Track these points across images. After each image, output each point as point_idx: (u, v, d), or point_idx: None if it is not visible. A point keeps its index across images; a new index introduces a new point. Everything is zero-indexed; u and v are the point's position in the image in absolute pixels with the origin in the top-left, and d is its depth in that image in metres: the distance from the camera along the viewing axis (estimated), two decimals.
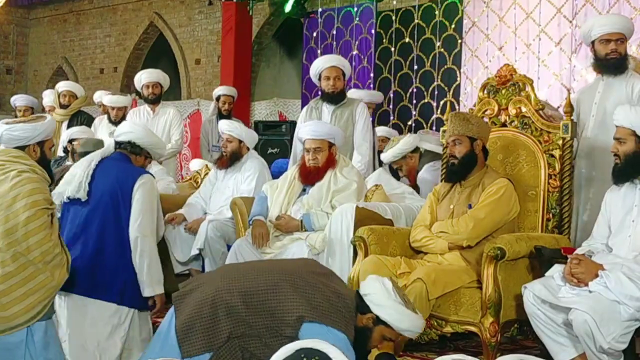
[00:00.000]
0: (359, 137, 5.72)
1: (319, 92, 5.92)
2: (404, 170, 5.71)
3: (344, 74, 5.80)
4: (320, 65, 5.77)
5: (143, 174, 4.21)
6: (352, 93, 6.95)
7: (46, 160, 3.85)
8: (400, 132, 8.47)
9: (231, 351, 3.14)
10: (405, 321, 3.29)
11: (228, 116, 7.58)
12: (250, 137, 5.79)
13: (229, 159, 5.66)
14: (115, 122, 6.94)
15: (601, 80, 4.74)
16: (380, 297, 3.28)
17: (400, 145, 5.63)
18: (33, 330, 3.57)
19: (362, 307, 3.28)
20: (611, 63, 4.62)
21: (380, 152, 6.15)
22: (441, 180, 4.68)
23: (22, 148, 3.77)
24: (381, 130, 7.33)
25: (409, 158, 5.66)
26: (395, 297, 3.30)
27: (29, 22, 14.99)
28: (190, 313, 3.18)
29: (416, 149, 5.72)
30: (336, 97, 5.75)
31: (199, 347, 3.13)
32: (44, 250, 3.55)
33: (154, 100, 7.15)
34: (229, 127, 5.71)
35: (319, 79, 5.80)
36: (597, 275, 3.46)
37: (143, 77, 7.19)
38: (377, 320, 3.26)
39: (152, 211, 4.17)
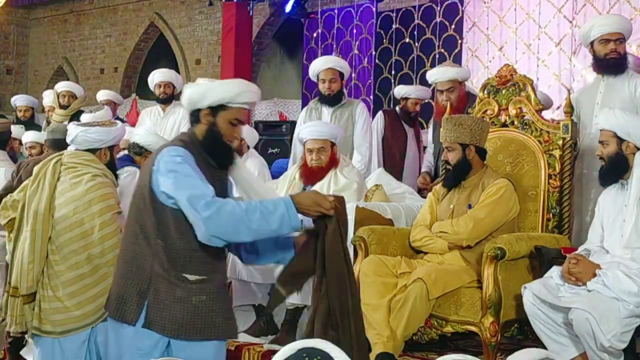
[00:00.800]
0: (358, 137, 5.73)
1: (319, 93, 5.93)
2: (454, 96, 5.30)
3: (341, 75, 5.79)
4: (317, 66, 5.78)
5: (127, 167, 4.22)
6: (400, 89, 6.77)
7: (114, 165, 3.97)
8: None
9: (159, 279, 2.98)
10: (231, 87, 3.11)
11: None
12: (251, 135, 5.80)
13: None
14: None
15: (602, 81, 4.75)
16: (200, 88, 3.10)
17: (468, 69, 5.47)
18: (97, 330, 3.65)
19: (193, 117, 3.11)
20: (611, 63, 4.63)
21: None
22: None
23: (92, 151, 3.88)
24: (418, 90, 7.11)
25: (463, 85, 5.47)
26: (211, 80, 3.18)
27: (29, 22, 14.99)
28: (109, 301, 3.08)
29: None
30: (332, 99, 5.75)
31: (136, 305, 2.96)
32: (117, 254, 3.66)
33: (165, 100, 7.13)
34: None
35: (317, 80, 5.81)
36: (595, 275, 3.49)
37: (155, 77, 7.16)
38: (213, 110, 3.07)
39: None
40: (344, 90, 5.99)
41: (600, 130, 3.86)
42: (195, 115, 3.09)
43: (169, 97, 7.14)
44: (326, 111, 5.78)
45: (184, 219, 2.90)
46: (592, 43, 4.68)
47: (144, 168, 3.10)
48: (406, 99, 6.84)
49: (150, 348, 2.95)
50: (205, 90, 3.05)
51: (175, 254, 2.96)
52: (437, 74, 5.52)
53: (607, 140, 3.79)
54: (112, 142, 3.93)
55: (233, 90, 3.06)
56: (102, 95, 8.48)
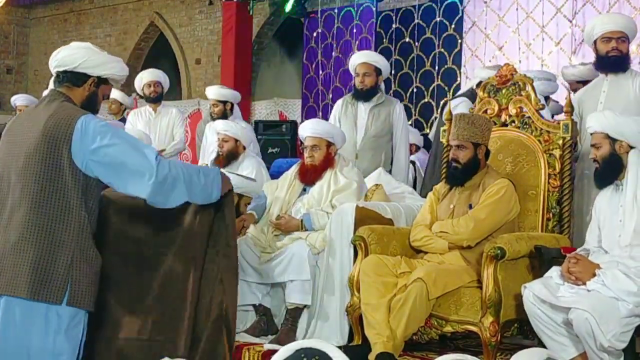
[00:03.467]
0: (401, 142, 5.75)
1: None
2: None
3: (377, 70, 5.72)
4: (353, 62, 5.79)
5: None
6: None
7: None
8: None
9: (81, 253, 2.99)
10: (122, 67, 3.22)
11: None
12: (246, 136, 5.79)
13: (226, 159, 5.66)
14: None
15: (605, 80, 4.75)
16: (100, 57, 3.15)
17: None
18: None
19: (74, 78, 3.13)
20: (612, 61, 4.62)
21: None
22: (442, 180, 4.68)
23: None
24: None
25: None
26: (98, 49, 3.22)
27: (29, 21, 14.99)
28: (15, 280, 2.95)
29: None
30: (365, 94, 5.72)
31: (61, 284, 2.93)
32: None
33: (155, 100, 7.18)
34: (225, 127, 5.73)
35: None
36: (594, 275, 3.49)
37: (144, 77, 7.30)
38: (99, 80, 3.15)
39: None
40: (381, 86, 5.90)
41: (592, 134, 3.86)
42: (77, 78, 3.13)
43: (159, 96, 7.19)
44: (363, 107, 5.75)
45: (101, 188, 3.06)
46: (595, 42, 4.68)
47: (49, 136, 2.96)
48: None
49: (74, 324, 2.97)
50: (106, 60, 3.16)
51: (92, 226, 3.05)
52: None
53: (600, 142, 3.80)
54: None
55: (123, 71, 3.23)
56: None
